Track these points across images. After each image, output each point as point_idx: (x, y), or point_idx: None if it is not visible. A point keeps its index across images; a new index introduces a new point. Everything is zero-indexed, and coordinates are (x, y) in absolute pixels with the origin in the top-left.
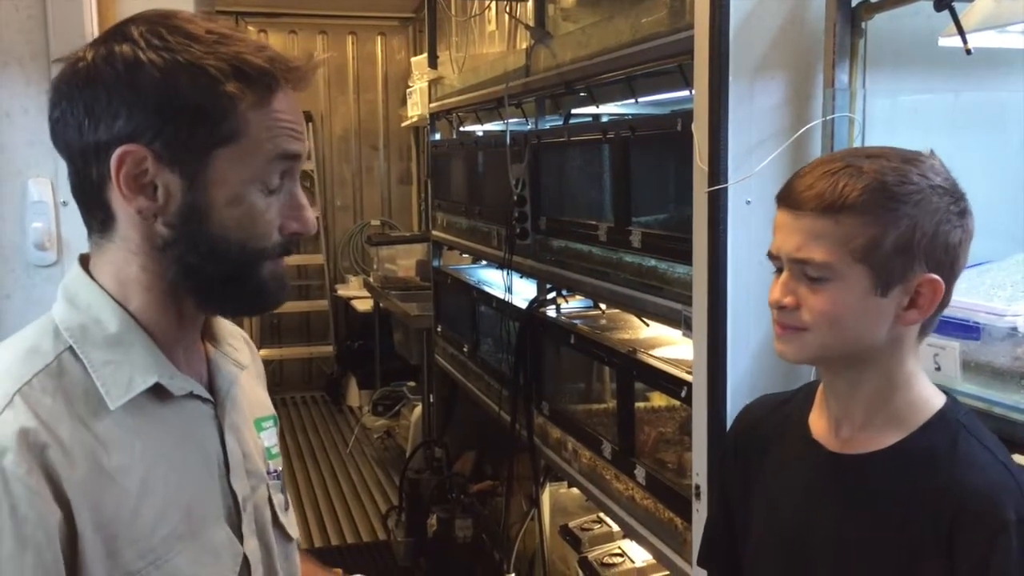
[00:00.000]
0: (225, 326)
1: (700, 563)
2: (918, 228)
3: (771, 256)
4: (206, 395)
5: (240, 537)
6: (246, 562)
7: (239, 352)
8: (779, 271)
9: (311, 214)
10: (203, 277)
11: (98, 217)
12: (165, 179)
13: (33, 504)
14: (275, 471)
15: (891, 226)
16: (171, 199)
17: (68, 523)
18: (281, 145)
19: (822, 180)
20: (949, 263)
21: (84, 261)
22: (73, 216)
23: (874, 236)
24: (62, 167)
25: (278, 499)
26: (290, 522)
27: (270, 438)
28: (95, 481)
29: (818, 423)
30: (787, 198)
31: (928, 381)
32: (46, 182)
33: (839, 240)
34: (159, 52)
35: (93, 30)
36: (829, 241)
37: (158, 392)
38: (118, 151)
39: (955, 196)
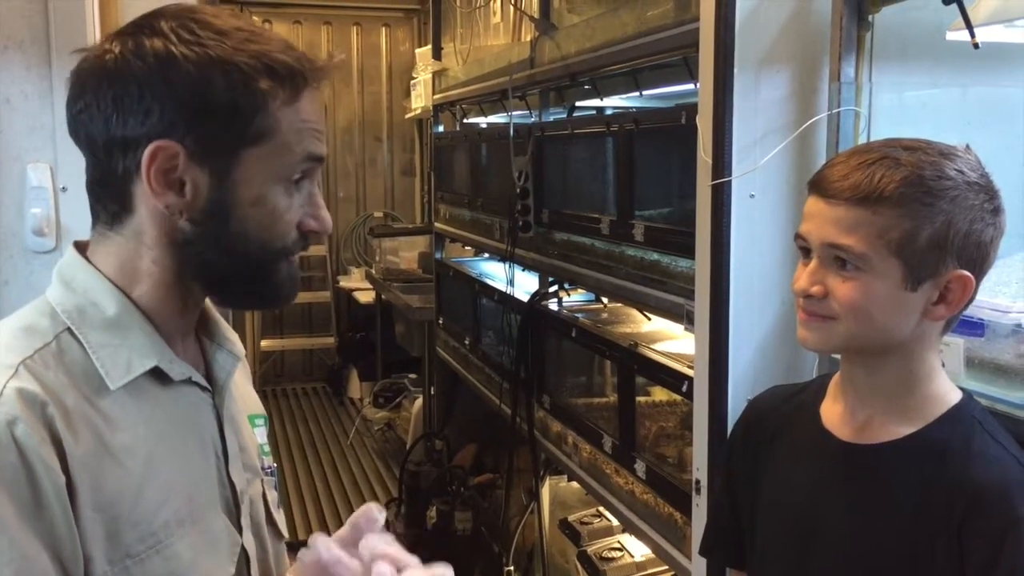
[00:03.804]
0: (219, 318)
1: (702, 552)
2: (952, 225)
3: (798, 237)
4: (204, 383)
5: (239, 529)
6: (245, 556)
7: (235, 345)
8: (804, 256)
9: (327, 214)
10: (221, 273)
11: (111, 209)
12: (194, 176)
13: (48, 474)
14: (270, 467)
15: (926, 221)
16: (198, 196)
17: (69, 495)
18: (308, 148)
19: (858, 170)
20: (980, 260)
21: (80, 248)
22: (72, 202)
23: (909, 230)
24: (62, 153)
25: (271, 496)
26: (281, 520)
27: (262, 436)
28: (98, 459)
29: (831, 413)
30: (820, 186)
31: (945, 376)
32: (45, 168)
33: (875, 232)
34: (191, 47)
35: (94, 15)
36: (864, 232)
37: (157, 377)
38: (151, 147)
39: (989, 193)
